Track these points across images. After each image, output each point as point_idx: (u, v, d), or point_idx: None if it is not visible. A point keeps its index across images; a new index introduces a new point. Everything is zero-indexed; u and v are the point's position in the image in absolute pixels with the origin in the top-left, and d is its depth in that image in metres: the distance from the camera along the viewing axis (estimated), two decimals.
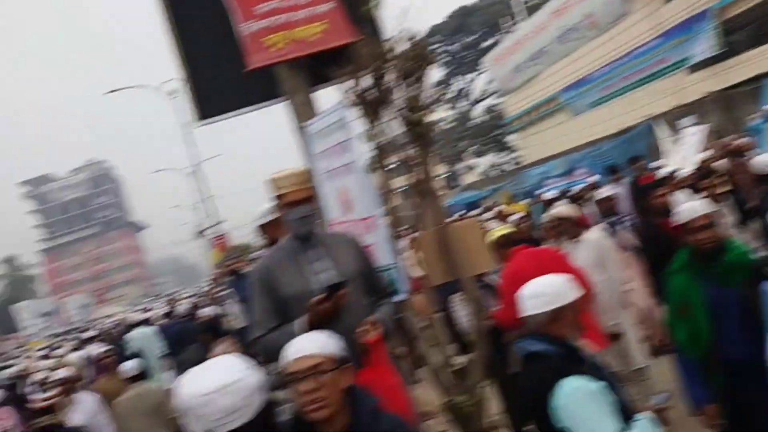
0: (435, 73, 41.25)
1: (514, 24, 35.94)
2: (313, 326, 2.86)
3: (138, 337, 10.74)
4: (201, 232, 29.38)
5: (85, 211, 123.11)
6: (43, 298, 61.46)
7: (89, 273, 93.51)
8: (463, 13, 40.36)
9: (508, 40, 34.79)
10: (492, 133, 42.96)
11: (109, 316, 41.16)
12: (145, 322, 12.50)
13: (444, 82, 44.76)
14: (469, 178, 43.22)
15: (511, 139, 44.92)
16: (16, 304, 44.97)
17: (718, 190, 6.48)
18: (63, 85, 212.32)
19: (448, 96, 45.48)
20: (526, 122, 35.89)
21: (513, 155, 45.32)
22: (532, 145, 35.34)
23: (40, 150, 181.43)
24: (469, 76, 44.55)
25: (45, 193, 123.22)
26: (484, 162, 46.78)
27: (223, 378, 1.99)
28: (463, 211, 16.39)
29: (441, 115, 45.93)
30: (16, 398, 9.46)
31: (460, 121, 45.13)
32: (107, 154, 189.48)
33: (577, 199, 10.41)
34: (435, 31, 42.10)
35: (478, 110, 45.23)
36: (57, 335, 34.84)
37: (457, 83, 45.26)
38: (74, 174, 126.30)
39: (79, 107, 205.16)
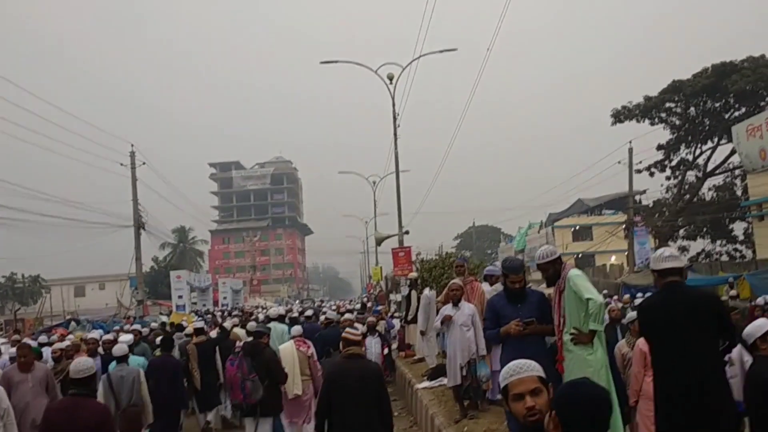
0: (661, 135, 35.65)
1: None
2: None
3: (275, 329, 12.25)
4: (380, 240, 26.12)
5: (261, 204, 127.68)
6: (201, 274, 61.69)
7: (250, 262, 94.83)
8: (720, 72, 34.69)
9: None
10: (718, 214, 36.84)
11: (256, 307, 39.66)
12: (281, 318, 13.90)
13: (669, 147, 39.32)
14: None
15: (740, 226, 38.67)
16: (174, 271, 44.28)
17: None
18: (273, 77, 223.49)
19: (673, 163, 39.90)
20: None
21: (737, 245, 38.86)
22: None
23: (237, 138, 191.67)
24: (704, 146, 38.70)
25: (229, 178, 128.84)
26: (698, 245, 40.50)
27: None
28: None
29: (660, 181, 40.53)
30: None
31: (680, 193, 39.29)
32: (296, 152, 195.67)
33: None
34: (676, 87, 36.81)
35: (707, 186, 39.19)
36: (199, 312, 33.04)
37: (686, 151, 39.52)
38: (260, 167, 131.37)
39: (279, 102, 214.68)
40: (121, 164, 34.34)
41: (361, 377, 6.21)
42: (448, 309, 8.31)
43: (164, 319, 26.52)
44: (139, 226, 34.20)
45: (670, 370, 4.25)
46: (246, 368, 8.61)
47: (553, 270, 5.72)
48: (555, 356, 5.61)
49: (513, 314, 5.94)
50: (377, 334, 11.60)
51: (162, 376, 9.47)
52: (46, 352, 11.06)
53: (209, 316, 27.88)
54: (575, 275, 5.59)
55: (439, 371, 10.60)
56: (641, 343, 6.82)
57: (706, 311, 4.23)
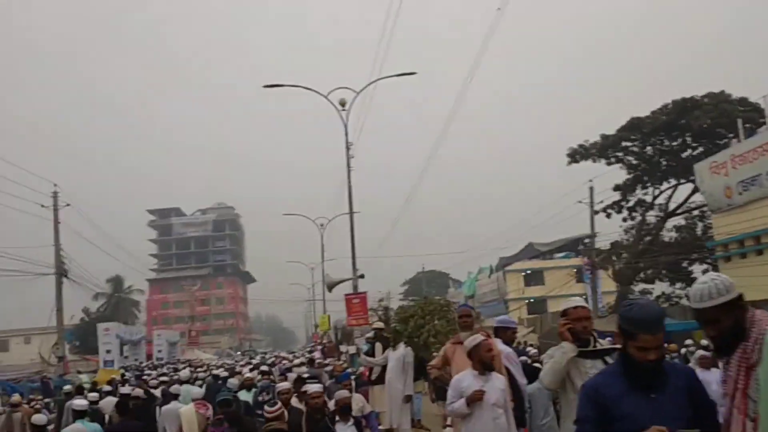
0: (617, 175, 34.28)
1: (754, 129, 29.46)
2: None
3: (184, 392, 11.90)
4: (332, 285, 23.58)
5: (202, 252, 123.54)
6: (136, 326, 57.85)
7: (189, 312, 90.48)
8: (680, 108, 33.76)
9: (739, 148, 28.13)
10: (681, 255, 35.60)
11: (192, 361, 36.48)
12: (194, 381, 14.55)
13: (626, 188, 38.18)
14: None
15: (699, 268, 37.47)
16: (103, 324, 40.79)
17: None
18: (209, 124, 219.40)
19: (630, 204, 38.72)
20: (737, 251, 28.87)
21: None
22: (740, 280, 28.07)
23: (174, 184, 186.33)
24: (661, 186, 37.67)
25: (168, 225, 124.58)
26: (657, 288, 39.16)
27: None
28: None
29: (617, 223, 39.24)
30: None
31: (640, 234, 38.04)
32: (239, 197, 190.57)
33: None
34: (635, 125, 35.80)
35: (667, 226, 38.05)
36: (128, 368, 29.81)
37: (642, 191, 38.44)
38: (201, 214, 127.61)
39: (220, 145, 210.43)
40: (42, 206, 31.17)
41: None
42: (470, 380, 5.37)
43: (84, 378, 23.40)
44: (61, 273, 30.89)
45: None
46: None
47: (729, 323, 2.89)
48: None
49: (644, 412, 2.97)
50: (351, 419, 7.04)
51: None
52: None
53: (135, 372, 24.63)
54: None
55: None
56: None
57: None
